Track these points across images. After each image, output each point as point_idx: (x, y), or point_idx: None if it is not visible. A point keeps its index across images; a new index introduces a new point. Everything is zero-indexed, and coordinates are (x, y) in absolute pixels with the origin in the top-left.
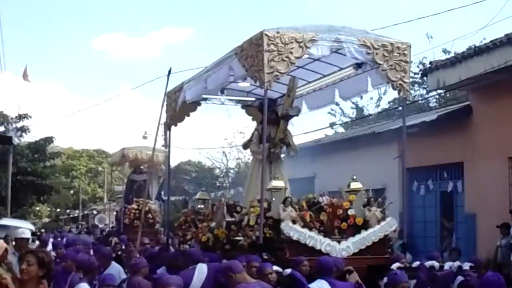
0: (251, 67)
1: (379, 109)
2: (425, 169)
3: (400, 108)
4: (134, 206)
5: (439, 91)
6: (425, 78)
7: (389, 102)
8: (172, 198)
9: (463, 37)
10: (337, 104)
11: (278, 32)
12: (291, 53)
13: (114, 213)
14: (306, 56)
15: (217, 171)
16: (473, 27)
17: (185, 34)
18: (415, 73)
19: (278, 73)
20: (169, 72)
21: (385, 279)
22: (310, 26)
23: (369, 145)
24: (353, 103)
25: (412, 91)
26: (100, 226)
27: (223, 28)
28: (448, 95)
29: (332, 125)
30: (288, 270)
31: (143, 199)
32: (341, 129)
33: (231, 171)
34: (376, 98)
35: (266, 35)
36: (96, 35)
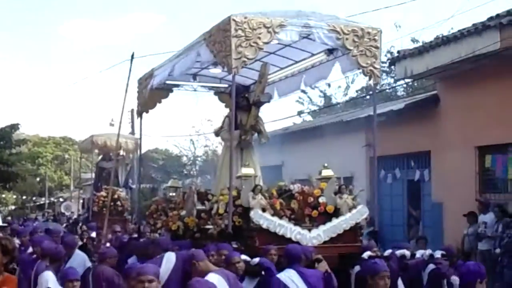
0: (219, 53)
1: (347, 98)
2: (392, 158)
3: (368, 97)
4: (103, 193)
5: (406, 80)
6: (392, 67)
7: (356, 91)
8: (141, 186)
9: (431, 26)
10: (304, 92)
11: (245, 17)
12: (259, 38)
13: (81, 200)
14: (276, 42)
15: (185, 159)
16: (441, 16)
17: (157, 22)
18: (383, 62)
19: (246, 59)
20: (132, 56)
21: (356, 268)
22: (279, 11)
23: (336, 133)
24: (321, 91)
25: (382, 80)
26: (67, 214)
27: (194, 16)
28: (415, 84)
29: (300, 113)
30: (257, 259)
31: (113, 187)
32: (309, 118)
33: (199, 159)
34: (344, 87)
35: (234, 20)
36: (63, 21)
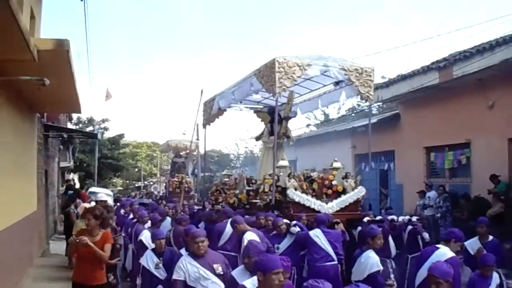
0: (267, 83)
1: (339, 115)
2: (369, 155)
3: (353, 114)
4: (176, 179)
5: (378, 103)
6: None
7: (346, 110)
8: (201, 174)
9: (393, 67)
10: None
11: (285, 59)
12: (294, 73)
13: (164, 184)
14: (303, 76)
15: (231, 156)
16: (401, 60)
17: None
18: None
19: (285, 87)
20: (201, 92)
21: (359, 228)
22: (306, 55)
23: (332, 139)
24: (322, 110)
25: (361, 103)
26: (155, 192)
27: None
28: (384, 105)
29: (308, 125)
30: (294, 222)
31: (183, 174)
32: (313, 128)
33: (241, 156)
34: (338, 107)
35: (277, 61)
36: (152, 57)
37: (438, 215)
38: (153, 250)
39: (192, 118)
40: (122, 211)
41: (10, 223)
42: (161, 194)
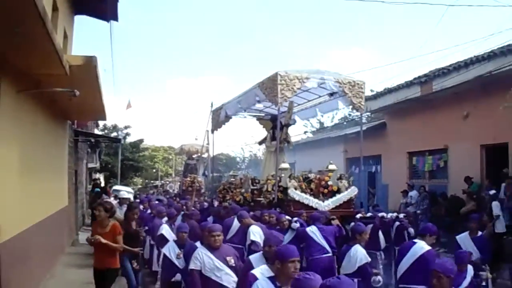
0: (269, 94)
1: (333, 123)
2: (359, 158)
3: (345, 123)
4: (188, 179)
5: (367, 113)
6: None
7: (338, 119)
8: (211, 175)
9: (380, 82)
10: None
11: (286, 73)
12: (294, 85)
13: (178, 183)
14: (302, 88)
15: (237, 159)
16: (387, 76)
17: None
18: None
19: (286, 97)
20: (211, 104)
21: (351, 224)
22: (305, 69)
23: (326, 144)
24: (317, 119)
25: (352, 113)
26: (170, 191)
27: (243, 76)
28: (372, 115)
29: (305, 132)
30: (295, 218)
31: (195, 175)
32: (310, 135)
33: (246, 159)
34: (331, 117)
35: (279, 74)
36: (171, 77)
37: (419, 211)
38: (175, 241)
39: (202, 125)
40: (141, 206)
41: (46, 215)
42: (175, 192)
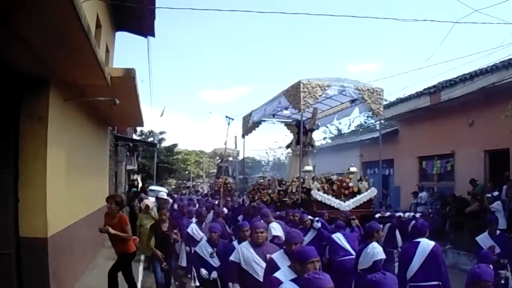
0: (293, 101)
1: (350, 130)
2: (374, 162)
3: (361, 130)
4: (220, 180)
5: (381, 121)
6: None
7: (355, 126)
8: (240, 176)
9: (395, 91)
10: (326, 126)
11: (308, 81)
12: (316, 93)
13: (208, 184)
14: (324, 95)
15: (262, 162)
16: (399, 87)
17: (246, 90)
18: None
19: (308, 104)
20: (228, 116)
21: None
22: (327, 78)
23: (343, 149)
24: (336, 126)
25: (367, 121)
26: (201, 191)
27: (265, 86)
28: (386, 123)
29: (324, 138)
30: (317, 218)
31: (226, 176)
32: (329, 140)
33: (270, 162)
34: (348, 124)
35: (302, 83)
36: (203, 88)
37: (430, 210)
38: (207, 241)
39: (231, 131)
40: (175, 205)
41: (89, 211)
42: (205, 192)
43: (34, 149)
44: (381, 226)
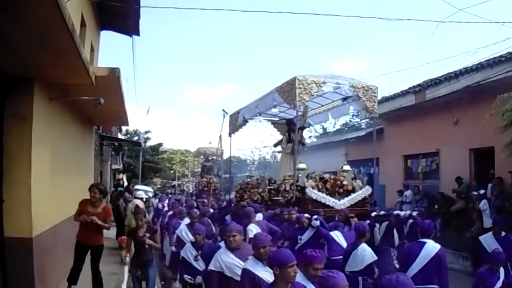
0: (288, 98)
1: (334, 129)
2: (359, 161)
3: (346, 128)
4: (205, 180)
5: (366, 119)
6: (359, 112)
7: (340, 125)
8: (225, 175)
9: (378, 91)
10: (312, 125)
11: (304, 77)
12: (312, 89)
13: (193, 183)
14: (318, 92)
15: (247, 161)
16: (385, 86)
17: (232, 89)
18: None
19: (304, 101)
20: (224, 110)
21: (367, 222)
22: (322, 74)
23: (329, 148)
24: (321, 125)
25: (353, 120)
26: (186, 190)
27: (251, 85)
28: (371, 121)
29: (309, 137)
30: (315, 216)
31: (210, 176)
32: (314, 139)
33: (255, 161)
34: (333, 122)
35: (297, 79)
36: (187, 87)
37: (415, 209)
38: (192, 243)
39: (215, 130)
40: (160, 205)
41: (74, 212)
42: (191, 191)
43: (18, 149)
44: (378, 225)
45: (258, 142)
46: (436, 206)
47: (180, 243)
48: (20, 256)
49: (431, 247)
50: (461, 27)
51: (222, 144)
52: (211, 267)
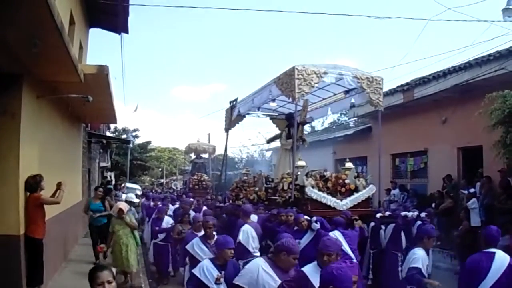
0: (286, 89)
1: (323, 127)
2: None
3: (334, 127)
4: (195, 177)
5: (355, 118)
6: (348, 110)
7: (328, 123)
8: (217, 173)
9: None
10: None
11: (303, 67)
12: (312, 80)
13: (182, 181)
14: (320, 83)
15: (236, 159)
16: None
17: (222, 87)
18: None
19: (303, 93)
20: (230, 101)
21: (372, 224)
22: (323, 64)
23: (318, 147)
24: (309, 123)
25: (341, 118)
26: (174, 188)
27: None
28: (359, 120)
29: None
30: (315, 218)
31: (202, 173)
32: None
33: (243, 160)
34: (322, 121)
35: (297, 68)
36: (175, 85)
37: (402, 208)
38: (212, 260)
39: (204, 128)
40: (149, 203)
41: (63, 209)
42: (179, 189)
43: (6, 146)
44: (383, 226)
45: (247, 141)
46: (433, 205)
47: (192, 260)
48: (8, 254)
49: (502, 257)
50: (450, 25)
51: (223, 139)
52: (239, 282)
